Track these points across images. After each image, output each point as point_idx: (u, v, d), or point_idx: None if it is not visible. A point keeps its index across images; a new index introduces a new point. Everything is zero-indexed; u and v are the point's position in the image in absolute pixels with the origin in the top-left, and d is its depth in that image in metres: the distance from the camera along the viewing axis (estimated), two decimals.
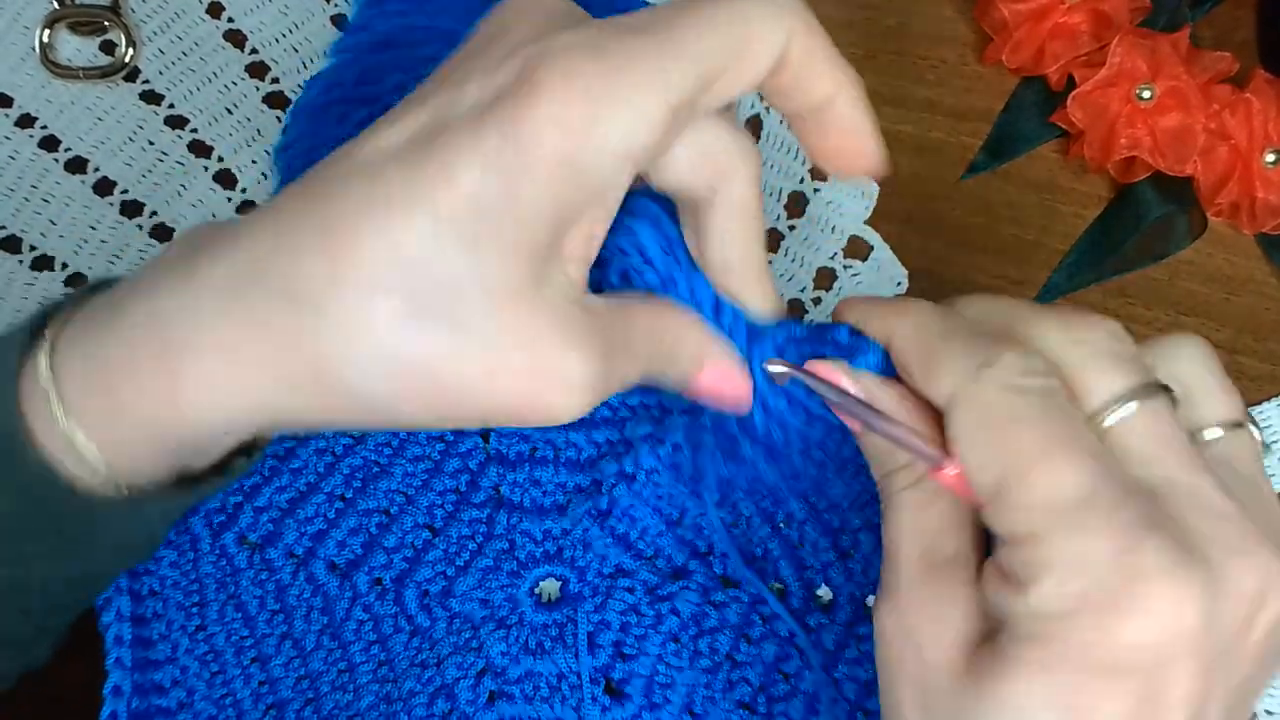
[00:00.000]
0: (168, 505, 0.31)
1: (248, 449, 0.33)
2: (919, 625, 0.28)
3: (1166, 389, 0.28)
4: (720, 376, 0.31)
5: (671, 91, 0.25)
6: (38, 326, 0.29)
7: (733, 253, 0.30)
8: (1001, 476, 0.25)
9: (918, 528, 0.29)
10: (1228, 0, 0.47)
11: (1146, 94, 0.44)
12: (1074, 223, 0.46)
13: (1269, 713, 0.41)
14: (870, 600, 0.41)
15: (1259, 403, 0.44)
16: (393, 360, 0.25)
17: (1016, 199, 0.46)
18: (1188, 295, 0.45)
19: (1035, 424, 0.25)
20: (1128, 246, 0.45)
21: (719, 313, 0.32)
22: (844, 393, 0.29)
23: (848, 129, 0.29)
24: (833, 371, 0.30)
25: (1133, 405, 0.27)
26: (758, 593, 0.41)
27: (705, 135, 0.28)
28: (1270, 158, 0.44)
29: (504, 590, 0.42)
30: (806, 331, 0.32)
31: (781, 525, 0.42)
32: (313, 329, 0.25)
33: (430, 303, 0.25)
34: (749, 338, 0.32)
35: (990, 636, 0.27)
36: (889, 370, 0.30)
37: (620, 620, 0.41)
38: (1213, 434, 0.29)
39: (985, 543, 0.29)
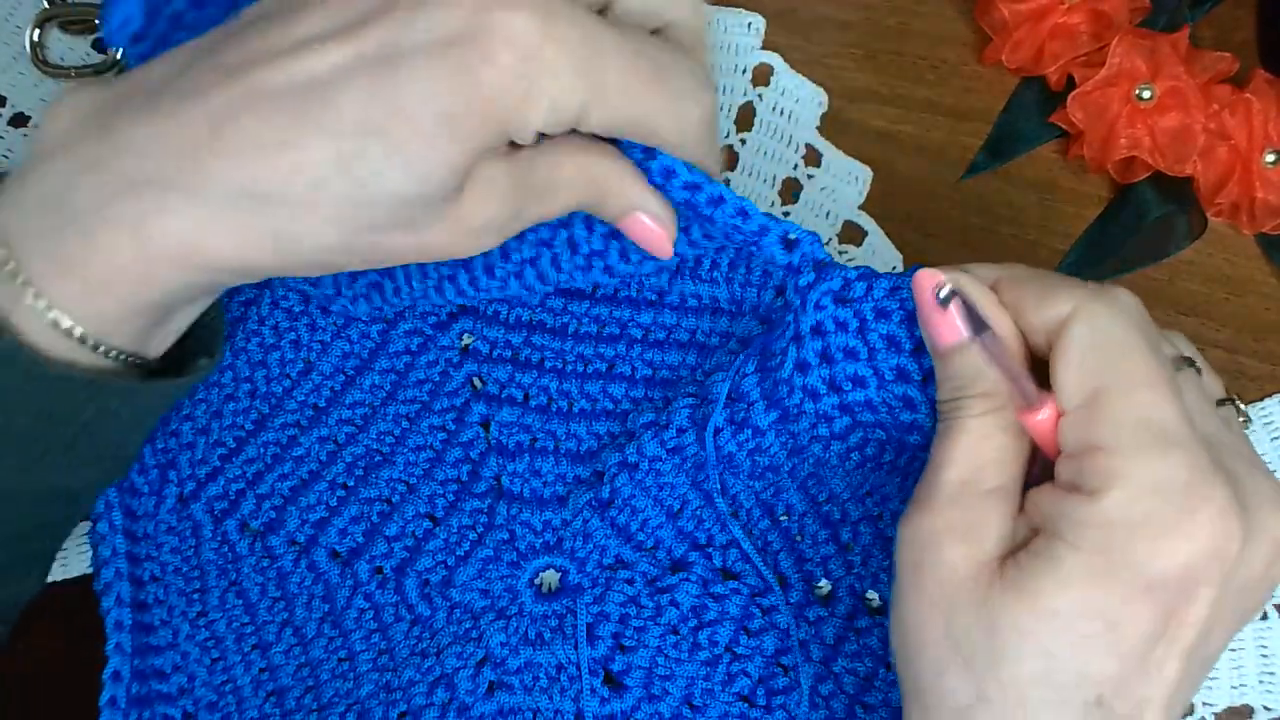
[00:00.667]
0: (141, 403, 0.34)
1: (209, 350, 0.36)
2: (950, 538, 0.29)
3: (1191, 361, 0.31)
4: (639, 229, 0.34)
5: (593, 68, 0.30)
6: None
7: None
8: (1101, 389, 0.28)
9: (972, 455, 0.30)
10: (1228, 0, 0.47)
11: (1146, 94, 0.44)
12: (1074, 223, 0.46)
13: (1267, 709, 0.41)
14: (870, 594, 0.41)
15: (1259, 401, 0.44)
16: (344, 248, 0.30)
17: (1016, 199, 0.46)
18: (1188, 295, 0.45)
19: (1144, 354, 0.28)
20: (1128, 246, 0.45)
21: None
22: (977, 315, 0.30)
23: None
24: (980, 293, 0.31)
25: (1179, 368, 0.30)
26: (758, 585, 0.41)
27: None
28: (1270, 158, 0.44)
29: (504, 581, 0.42)
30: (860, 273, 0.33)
31: (782, 518, 0.42)
32: (268, 224, 0.29)
33: (374, 206, 0.29)
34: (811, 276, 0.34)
35: (1017, 554, 0.28)
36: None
37: (620, 612, 0.41)
38: None
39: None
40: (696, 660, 0.41)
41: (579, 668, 0.41)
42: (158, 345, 0.34)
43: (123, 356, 0.32)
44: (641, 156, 0.33)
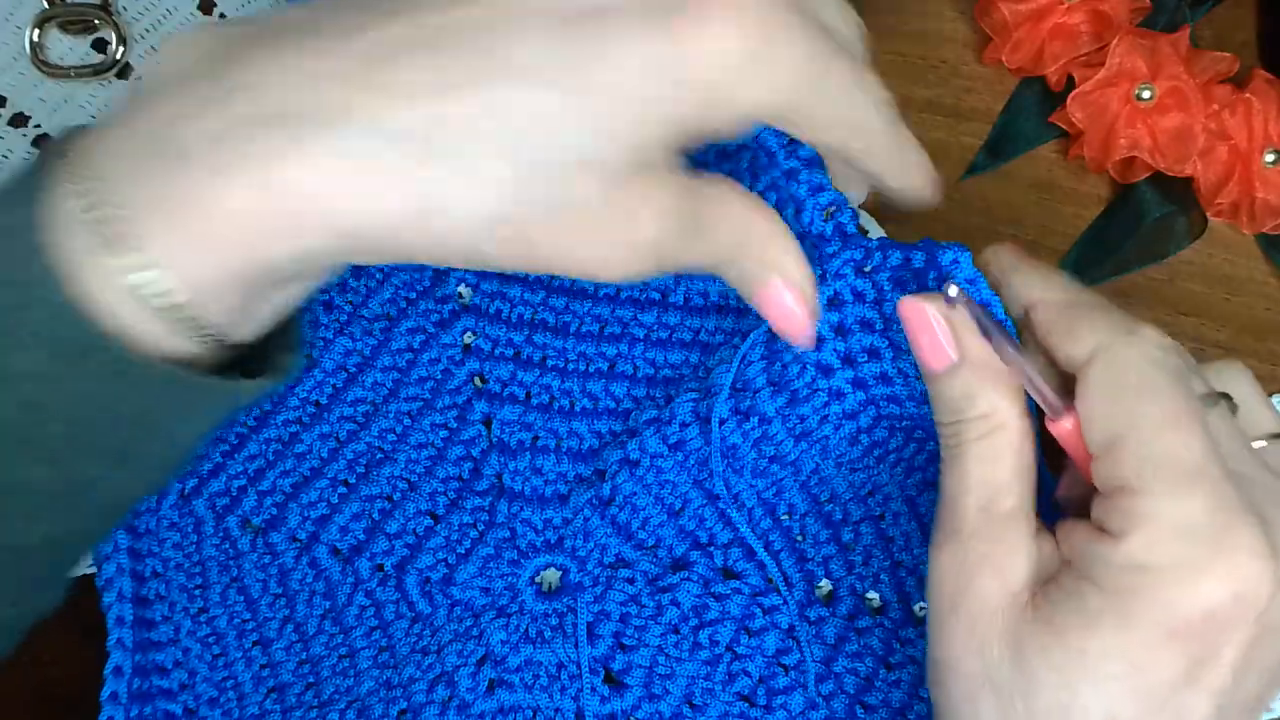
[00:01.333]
0: (218, 397, 0.29)
1: (293, 345, 0.31)
2: (981, 569, 0.29)
3: (1227, 397, 0.30)
4: (778, 297, 0.30)
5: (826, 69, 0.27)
6: (38, 183, 0.26)
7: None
8: (1124, 431, 0.28)
9: (984, 479, 0.30)
10: (1228, 0, 0.47)
11: (1146, 94, 0.44)
12: (1074, 223, 0.46)
13: (1268, 709, 0.41)
14: (871, 595, 0.41)
15: None
16: (500, 218, 0.26)
17: (1016, 199, 0.46)
18: (1188, 295, 0.45)
19: (1166, 393, 0.28)
20: (1128, 246, 0.45)
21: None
22: (999, 323, 0.30)
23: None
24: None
25: (1209, 405, 0.29)
26: (759, 585, 0.41)
27: None
28: (1270, 158, 0.44)
29: (505, 579, 0.42)
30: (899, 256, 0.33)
31: (783, 517, 0.42)
32: (424, 176, 0.25)
33: (544, 172, 0.25)
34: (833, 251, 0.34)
35: (1048, 586, 0.28)
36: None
37: (620, 610, 0.41)
38: (1258, 444, 0.31)
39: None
40: (697, 659, 0.41)
41: (579, 666, 0.41)
42: (246, 332, 0.29)
43: (212, 337, 0.27)
44: None
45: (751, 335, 0.38)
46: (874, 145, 0.30)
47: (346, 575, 0.42)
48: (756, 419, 0.38)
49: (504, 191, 0.25)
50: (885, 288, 0.34)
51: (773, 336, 0.37)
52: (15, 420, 0.27)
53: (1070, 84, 0.45)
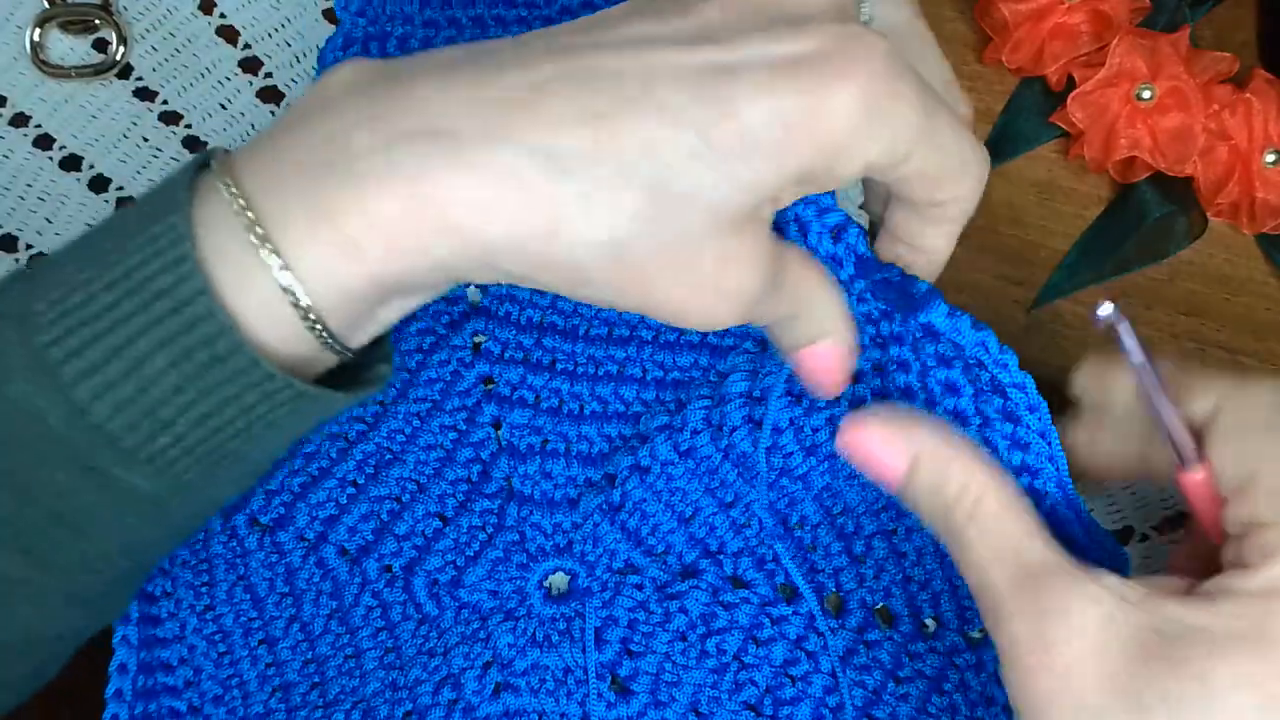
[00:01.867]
0: (319, 406, 0.29)
1: (387, 357, 0.32)
2: (1049, 628, 0.29)
3: None
4: (827, 357, 0.33)
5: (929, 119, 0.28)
6: (191, 180, 0.27)
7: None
8: (1256, 467, 0.29)
9: (998, 550, 0.30)
10: (1228, 0, 0.47)
11: (1146, 94, 0.44)
12: (1074, 223, 0.46)
13: None
14: (880, 606, 0.41)
15: None
16: (619, 246, 0.27)
17: (1016, 199, 0.46)
18: (1188, 295, 0.45)
19: None
20: (1128, 246, 0.45)
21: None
22: (1149, 365, 0.30)
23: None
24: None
25: None
26: (768, 595, 0.41)
27: None
28: (1270, 158, 0.44)
29: (513, 582, 0.42)
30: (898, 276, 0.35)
31: (795, 527, 0.42)
32: (561, 194, 0.26)
33: (668, 207, 0.27)
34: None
35: (1155, 620, 0.28)
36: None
37: (628, 617, 0.41)
38: None
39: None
40: (704, 667, 0.41)
41: (586, 671, 0.41)
42: (358, 340, 0.30)
43: (335, 343, 0.28)
44: None
45: (768, 352, 0.38)
46: (964, 193, 0.31)
47: (354, 575, 0.42)
48: (770, 428, 0.38)
49: (628, 220, 0.27)
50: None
51: None
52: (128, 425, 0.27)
53: (1070, 84, 0.45)
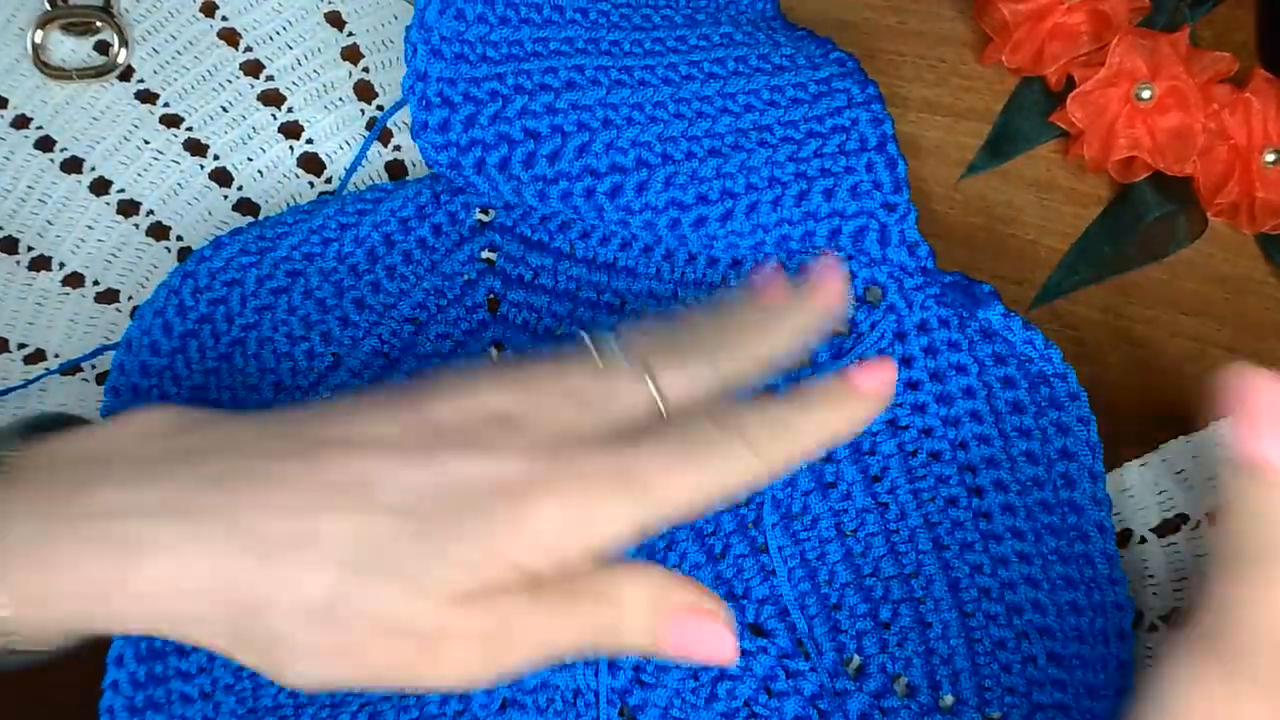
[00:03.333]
0: None
1: None
2: None
3: None
4: (690, 624, 0.31)
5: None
6: None
7: None
8: None
9: None
10: (1228, 0, 0.47)
11: (1146, 94, 0.44)
12: (1074, 223, 0.46)
13: None
14: (899, 675, 0.41)
15: None
16: (320, 619, 0.29)
17: (1016, 199, 0.46)
18: (1188, 295, 0.45)
19: None
20: (1128, 246, 0.45)
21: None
22: None
23: None
24: None
25: None
26: (787, 647, 0.41)
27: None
28: (1270, 158, 0.44)
29: None
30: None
31: (823, 583, 0.42)
32: (262, 578, 0.29)
33: (363, 589, 0.29)
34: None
35: None
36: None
37: None
38: None
39: None
40: (713, 710, 0.41)
41: (597, 696, 0.40)
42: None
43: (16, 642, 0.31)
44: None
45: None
46: None
47: None
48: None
49: (330, 596, 0.29)
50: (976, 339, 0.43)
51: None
52: None
53: (1070, 84, 0.45)
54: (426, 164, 0.43)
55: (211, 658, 0.41)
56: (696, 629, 0.31)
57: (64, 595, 0.29)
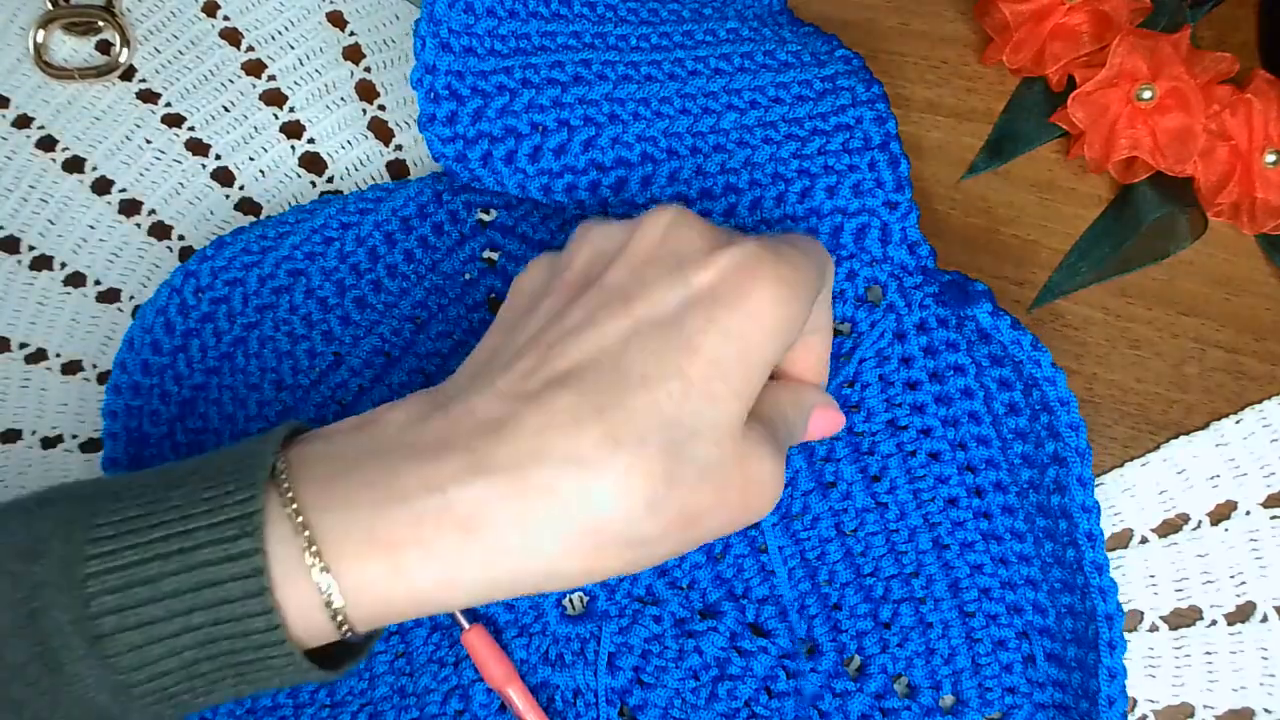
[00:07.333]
0: (308, 678, 0.32)
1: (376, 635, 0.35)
2: None
3: None
4: (825, 418, 0.37)
5: (818, 287, 0.34)
6: (262, 477, 0.30)
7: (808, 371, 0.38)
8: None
9: None
10: (1228, 0, 0.47)
11: (1147, 94, 0.44)
12: (1074, 223, 0.46)
13: (1268, 711, 0.41)
14: (900, 675, 0.41)
15: (1259, 402, 0.44)
16: (658, 502, 0.30)
17: (1016, 199, 0.46)
18: (1188, 295, 0.45)
19: None
20: (1128, 246, 0.45)
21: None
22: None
23: (814, 357, 0.37)
24: None
25: None
26: (787, 647, 0.41)
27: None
28: (1270, 158, 0.44)
29: (530, 598, 0.42)
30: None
31: (823, 583, 0.42)
32: (598, 490, 0.29)
33: (684, 453, 0.30)
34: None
35: None
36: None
37: (643, 647, 0.41)
38: None
39: None
40: (713, 710, 0.41)
41: (596, 695, 0.40)
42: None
43: (351, 635, 0.31)
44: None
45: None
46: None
47: None
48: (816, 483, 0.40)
49: (662, 483, 0.30)
50: (975, 339, 0.43)
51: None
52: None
53: (1071, 84, 0.45)
54: (433, 157, 0.43)
55: None
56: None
57: (413, 577, 0.30)
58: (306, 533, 0.29)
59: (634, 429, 0.30)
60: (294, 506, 0.30)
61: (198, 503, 0.29)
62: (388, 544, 0.29)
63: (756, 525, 0.42)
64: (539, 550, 0.30)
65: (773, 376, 0.36)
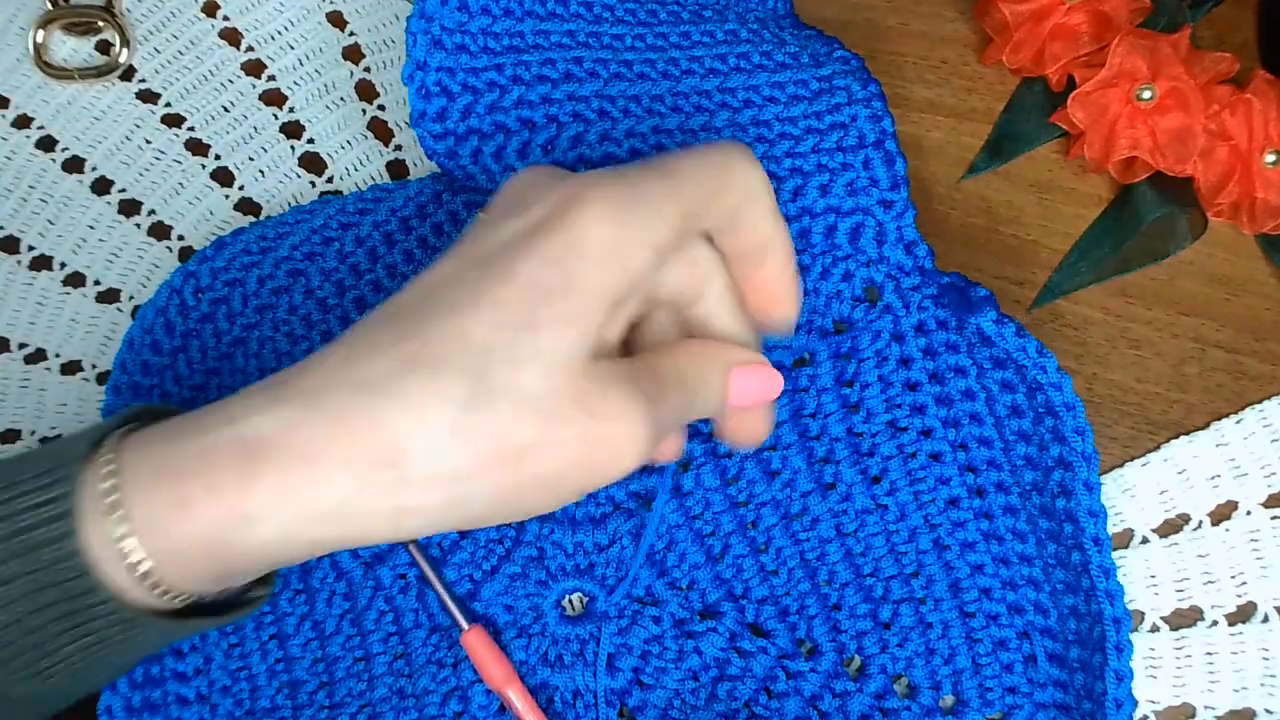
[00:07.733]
0: (180, 629, 0.32)
1: (266, 578, 0.35)
2: None
3: None
4: (750, 376, 0.34)
5: (681, 203, 0.31)
6: (95, 441, 0.31)
7: (729, 326, 0.35)
8: None
9: None
10: (1228, 0, 0.47)
11: (1147, 94, 0.44)
12: (1074, 223, 0.46)
13: (1269, 711, 0.41)
14: (900, 675, 0.41)
15: (1259, 402, 0.44)
16: (462, 432, 0.28)
17: (1016, 199, 0.46)
18: (1188, 295, 0.45)
19: None
20: (1128, 246, 0.45)
21: None
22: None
23: (772, 281, 0.34)
24: None
25: None
26: (786, 647, 0.41)
27: (693, 251, 0.33)
28: (1270, 158, 0.44)
29: (529, 599, 0.41)
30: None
31: (822, 583, 0.42)
32: (388, 413, 0.28)
33: (495, 379, 0.28)
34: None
35: None
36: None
37: (642, 648, 0.41)
38: None
39: None
40: (713, 711, 0.40)
41: (596, 696, 0.40)
42: (220, 594, 0.34)
43: (183, 597, 0.32)
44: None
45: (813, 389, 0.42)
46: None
47: (368, 579, 0.42)
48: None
49: (461, 408, 0.28)
50: (975, 342, 0.42)
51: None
52: None
53: (1071, 84, 0.45)
54: (425, 153, 0.43)
55: (209, 660, 0.41)
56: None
57: (193, 522, 0.29)
58: (113, 480, 0.29)
59: (431, 353, 0.29)
60: (109, 456, 0.30)
61: (30, 465, 0.30)
62: (174, 475, 0.29)
63: (755, 525, 0.42)
64: (329, 483, 0.29)
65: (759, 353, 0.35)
